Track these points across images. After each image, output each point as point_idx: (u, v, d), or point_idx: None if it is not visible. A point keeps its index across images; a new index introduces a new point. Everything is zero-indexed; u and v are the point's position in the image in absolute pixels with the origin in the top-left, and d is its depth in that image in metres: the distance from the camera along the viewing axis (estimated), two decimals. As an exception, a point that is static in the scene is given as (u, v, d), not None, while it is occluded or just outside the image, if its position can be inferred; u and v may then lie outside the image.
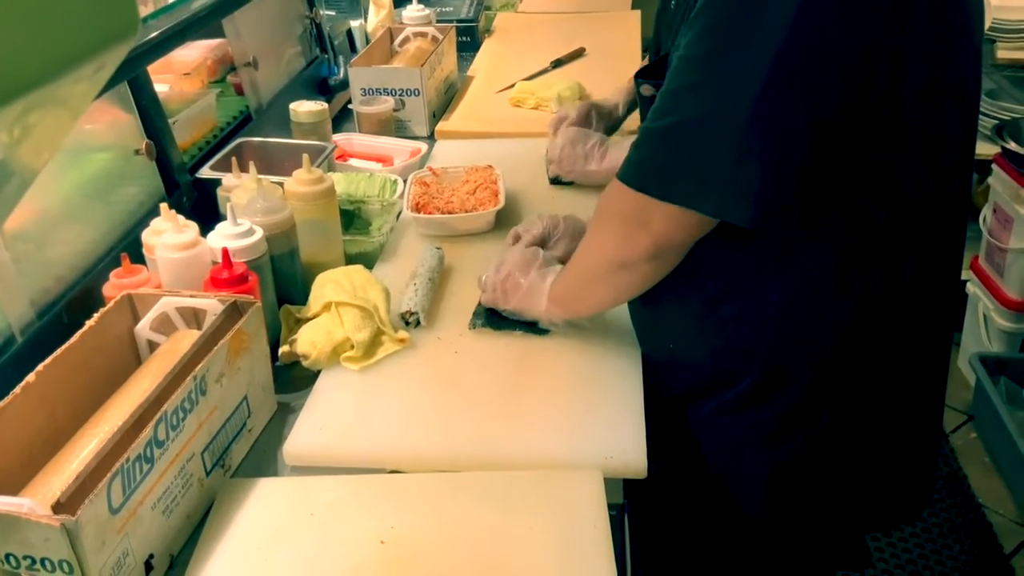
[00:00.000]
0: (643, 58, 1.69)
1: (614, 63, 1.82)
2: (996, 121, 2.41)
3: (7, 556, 0.72)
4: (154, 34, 1.35)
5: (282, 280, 1.15)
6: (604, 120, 1.60)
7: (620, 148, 1.49)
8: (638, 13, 2.52)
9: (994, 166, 2.38)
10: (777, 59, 0.77)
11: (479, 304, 1.17)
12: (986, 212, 2.44)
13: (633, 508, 0.96)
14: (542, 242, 1.21)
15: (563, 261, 1.15)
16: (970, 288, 2.51)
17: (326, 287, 1.13)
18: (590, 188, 1.50)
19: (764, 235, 0.89)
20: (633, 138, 1.46)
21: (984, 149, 2.24)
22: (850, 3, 0.78)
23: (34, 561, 0.72)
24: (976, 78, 0.92)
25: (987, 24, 2.54)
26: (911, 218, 0.90)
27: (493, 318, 1.15)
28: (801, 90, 0.79)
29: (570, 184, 1.53)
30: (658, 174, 0.87)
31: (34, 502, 0.71)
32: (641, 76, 0.97)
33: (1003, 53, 2.62)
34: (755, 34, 0.78)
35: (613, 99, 1.63)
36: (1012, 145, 2.27)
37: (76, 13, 0.27)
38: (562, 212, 1.25)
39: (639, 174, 0.89)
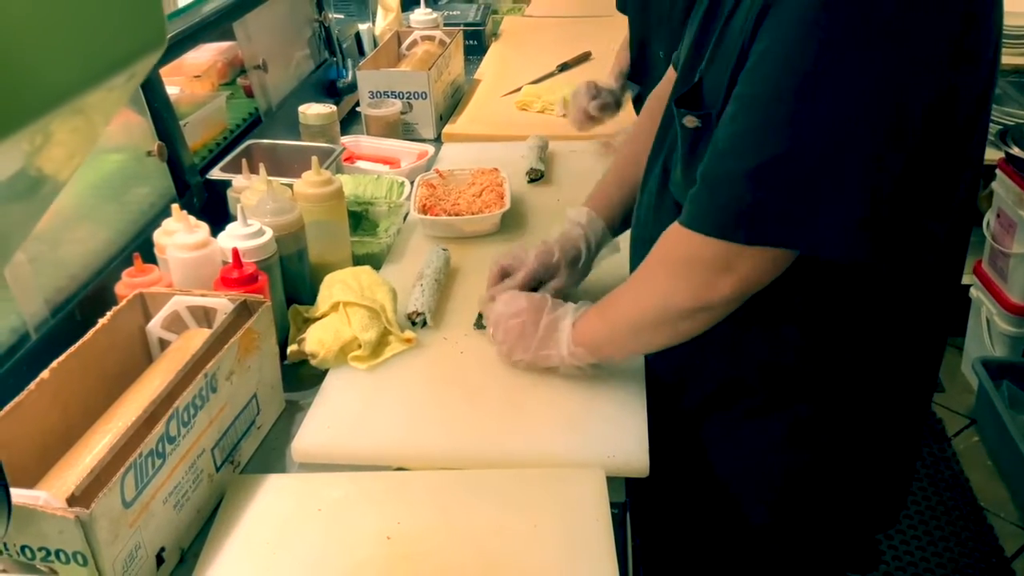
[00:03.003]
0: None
1: (620, 67, 1.84)
2: (1000, 126, 2.42)
3: (23, 548, 0.73)
4: (166, 37, 1.36)
5: (291, 280, 1.17)
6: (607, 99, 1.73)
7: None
8: (644, 17, 2.53)
9: (998, 171, 2.38)
10: (863, 86, 0.74)
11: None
12: (989, 217, 2.45)
13: (636, 507, 0.96)
14: (539, 279, 1.14)
15: (561, 291, 1.13)
16: (973, 292, 2.52)
17: (334, 287, 1.15)
18: (582, 181, 1.53)
19: (803, 264, 0.85)
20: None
21: (988, 154, 2.24)
22: (917, 16, 0.74)
23: (49, 553, 0.73)
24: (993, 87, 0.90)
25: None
26: (930, 238, 0.89)
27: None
28: (889, 111, 0.76)
29: (539, 179, 1.58)
30: (744, 219, 0.82)
31: (49, 495, 0.73)
32: (680, 105, 0.92)
33: (1007, 59, 2.62)
34: (831, 62, 0.74)
35: (607, 86, 1.73)
36: (1016, 150, 2.28)
37: (112, 25, 0.29)
38: (553, 208, 1.23)
39: (720, 221, 0.83)
